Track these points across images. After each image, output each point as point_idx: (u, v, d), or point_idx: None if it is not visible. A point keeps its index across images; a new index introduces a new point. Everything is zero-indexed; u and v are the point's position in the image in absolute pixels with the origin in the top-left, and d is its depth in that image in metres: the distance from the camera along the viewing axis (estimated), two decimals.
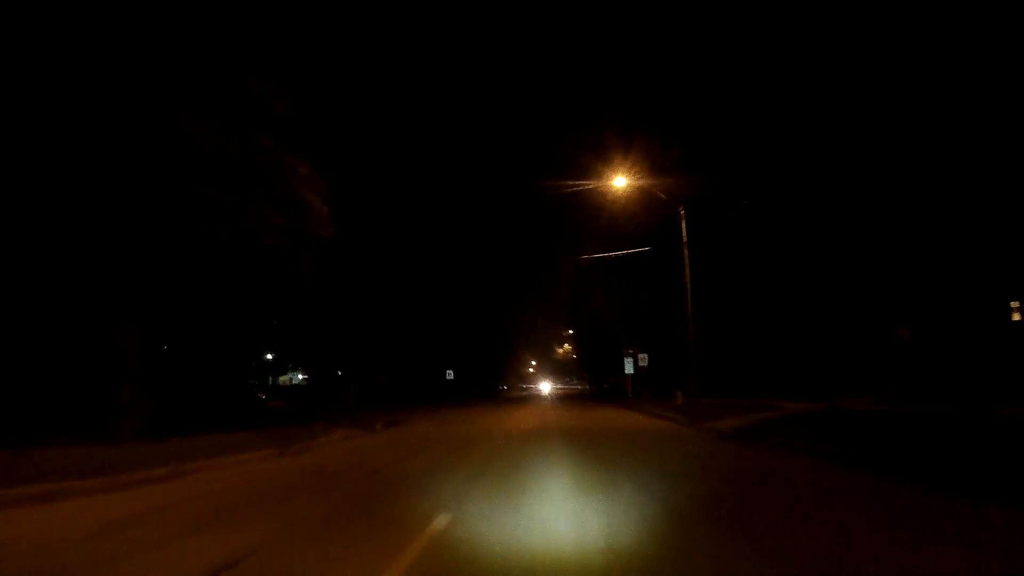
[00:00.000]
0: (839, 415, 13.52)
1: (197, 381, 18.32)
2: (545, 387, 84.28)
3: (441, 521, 4.80)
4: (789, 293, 23.47)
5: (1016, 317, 17.60)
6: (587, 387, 68.81)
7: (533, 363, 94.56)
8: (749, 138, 22.67)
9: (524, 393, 67.51)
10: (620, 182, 19.87)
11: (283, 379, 62.04)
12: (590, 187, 20.81)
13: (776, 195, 21.55)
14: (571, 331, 67.90)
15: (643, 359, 29.43)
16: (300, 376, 60.10)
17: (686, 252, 20.04)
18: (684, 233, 20.08)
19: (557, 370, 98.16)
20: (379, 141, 21.78)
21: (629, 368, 31.99)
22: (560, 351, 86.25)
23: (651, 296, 29.39)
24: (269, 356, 58.69)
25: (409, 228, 26.26)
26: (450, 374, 42.36)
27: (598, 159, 20.46)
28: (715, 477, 7.33)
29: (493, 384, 59.47)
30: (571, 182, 21.07)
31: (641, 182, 19.79)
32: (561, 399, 43.46)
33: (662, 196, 19.87)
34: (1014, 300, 17.62)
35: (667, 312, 27.46)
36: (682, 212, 20.06)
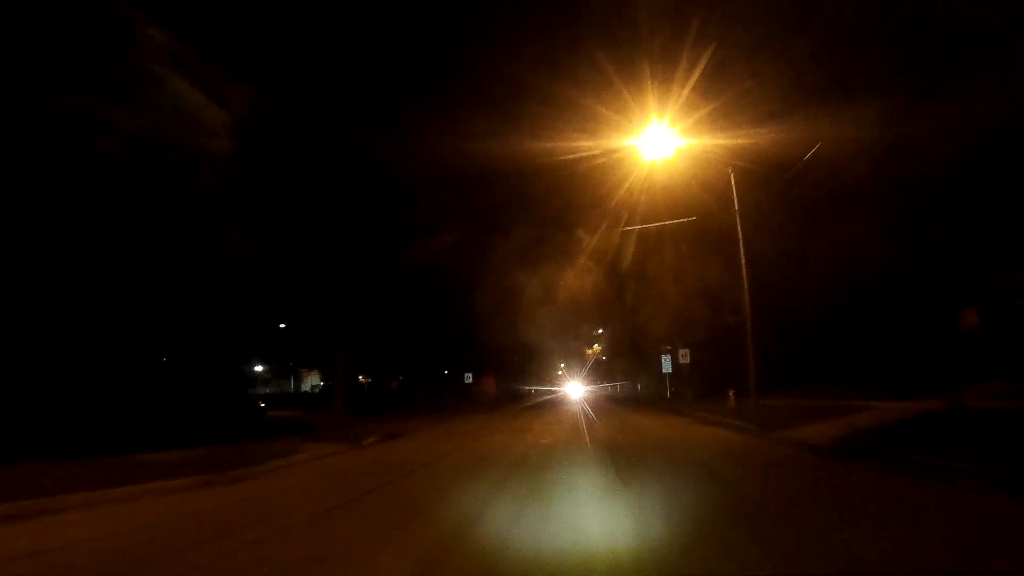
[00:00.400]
0: (974, 417, 9.92)
1: (164, 389, 15.74)
2: (573, 389, 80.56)
3: None
4: (859, 262, 19.31)
5: None
6: (619, 389, 65.18)
7: (562, 364, 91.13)
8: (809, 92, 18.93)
9: (551, 396, 64.12)
10: (655, 144, 16.42)
11: (305, 386, 60.29)
12: (616, 152, 17.42)
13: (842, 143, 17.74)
14: (600, 330, 64.64)
15: (683, 355, 25.87)
16: (322, 382, 58.05)
17: (739, 223, 16.53)
18: (735, 200, 16.59)
19: (587, 371, 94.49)
20: (377, 122, 18.70)
21: (667, 366, 28.66)
22: (589, 351, 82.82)
23: (691, 280, 25.64)
24: (292, 363, 57.15)
25: (415, 214, 23.15)
26: (468, 377, 39.45)
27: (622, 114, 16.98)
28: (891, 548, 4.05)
29: (517, 387, 56.45)
30: (589, 145, 17.66)
31: (682, 141, 16.30)
32: (591, 403, 40.10)
33: (710, 155, 16.35)
34: None
35: (710, 298, 23.87)
36: (732, 175, 16.57)
